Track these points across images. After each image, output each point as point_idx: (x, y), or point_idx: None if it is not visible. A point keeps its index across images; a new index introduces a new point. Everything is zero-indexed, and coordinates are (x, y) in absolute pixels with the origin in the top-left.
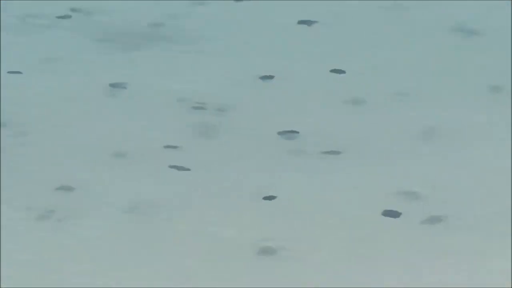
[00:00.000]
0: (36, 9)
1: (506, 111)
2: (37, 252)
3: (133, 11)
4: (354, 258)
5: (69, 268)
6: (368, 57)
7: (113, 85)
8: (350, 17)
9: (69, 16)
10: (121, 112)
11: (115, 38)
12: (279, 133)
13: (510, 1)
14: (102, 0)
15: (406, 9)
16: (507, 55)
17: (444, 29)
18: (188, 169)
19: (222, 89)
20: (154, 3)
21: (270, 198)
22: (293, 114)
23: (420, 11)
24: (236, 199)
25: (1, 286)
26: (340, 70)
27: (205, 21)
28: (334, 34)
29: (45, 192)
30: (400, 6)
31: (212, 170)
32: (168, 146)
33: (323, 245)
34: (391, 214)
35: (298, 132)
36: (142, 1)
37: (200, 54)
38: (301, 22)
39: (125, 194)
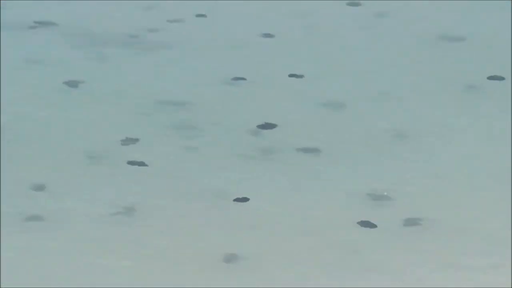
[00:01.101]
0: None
1: (482, 113)
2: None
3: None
4: (327, 266)
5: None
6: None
7: (85, 86)
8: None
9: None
10: (91, 111)
11: (94, 44)
12: (258, 126)
13: (510, 1)
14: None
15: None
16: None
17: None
18: (146, 165)
19: (192, 89)
20: (133, 15)
21: (240, 200)
22: (267, 114)
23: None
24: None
25: (1, 286)
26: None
27: (176, 32)
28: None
29: (19, 192)
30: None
31: (178, 170)
32: (128, 142)
33: (292, 253)
34: (368, 224)
35: (276, 125)
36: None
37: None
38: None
39: (96, 194)
